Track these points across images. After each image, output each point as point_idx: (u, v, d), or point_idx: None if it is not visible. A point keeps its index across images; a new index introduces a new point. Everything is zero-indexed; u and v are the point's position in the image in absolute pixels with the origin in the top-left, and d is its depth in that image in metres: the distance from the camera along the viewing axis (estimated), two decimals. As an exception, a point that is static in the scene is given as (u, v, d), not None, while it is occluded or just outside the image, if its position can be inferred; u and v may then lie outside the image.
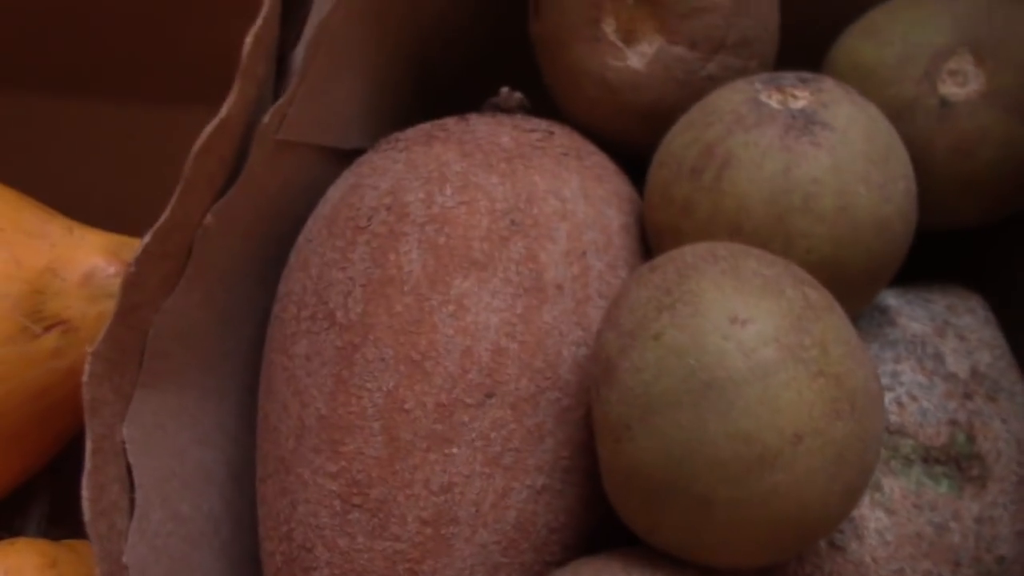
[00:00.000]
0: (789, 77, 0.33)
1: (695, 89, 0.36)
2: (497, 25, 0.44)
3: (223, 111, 0.32)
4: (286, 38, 0.39)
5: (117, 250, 0.41)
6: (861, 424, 0.26)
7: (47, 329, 0.38)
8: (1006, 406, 0.33)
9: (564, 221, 0.33)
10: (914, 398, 0.32)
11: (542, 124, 0.37)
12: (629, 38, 0.36)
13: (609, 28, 0.37)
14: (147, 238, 0.32)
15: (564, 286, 0.32)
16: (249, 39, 0.33)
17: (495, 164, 0.34)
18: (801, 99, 0.32)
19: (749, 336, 0.26)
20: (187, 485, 0.35)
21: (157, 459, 0.34)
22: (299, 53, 0.37)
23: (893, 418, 0.32)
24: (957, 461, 0.32)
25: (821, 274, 0.30)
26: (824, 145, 0.31)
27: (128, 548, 0.32)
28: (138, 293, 0.32)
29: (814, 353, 0.26)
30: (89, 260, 0.40)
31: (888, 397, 0.32)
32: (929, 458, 0.32)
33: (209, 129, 0.32)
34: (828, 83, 0.33)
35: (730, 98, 0.33)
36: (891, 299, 0.36)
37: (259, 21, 0.33)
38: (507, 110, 0.38)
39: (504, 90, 0.38)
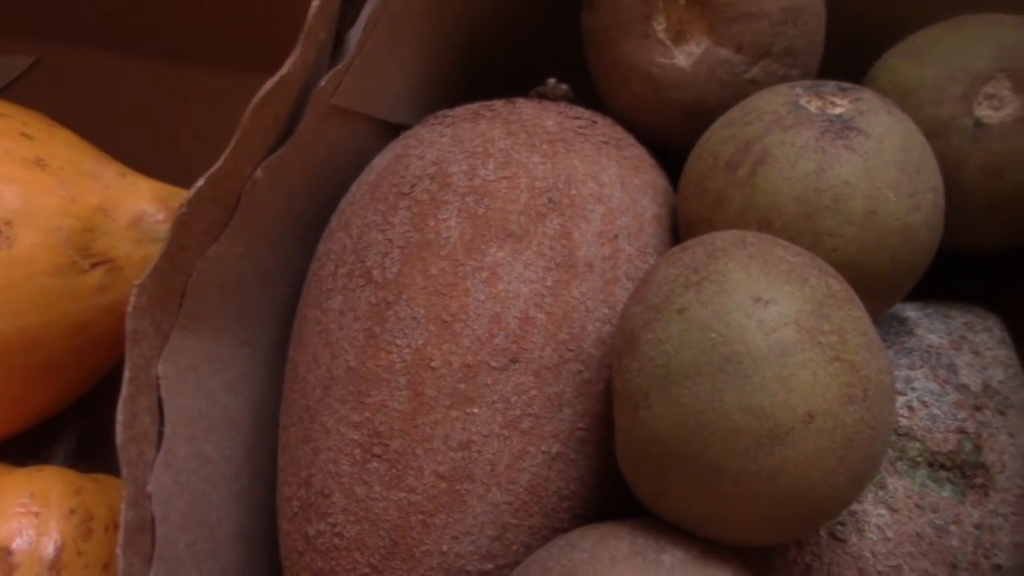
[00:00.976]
0: (830, 85, 0.34)
1: (737, 91, 0.37)
2: (545, 20, 0.45)
3: (283, 69, 0.34)
4: (343, 18, 0.40)
5: (167, 198, 0.42)
6: (872, 412, 0.27)
7: (94, 266, 0.39)
8: (1015, 421, 0.33)
9: (600, 204, 0.34)
10: (925, 404, 0.33)
11: (586, 113, 0.38)
12: (678, 37, 0.38)
13: (659, 26, 0.38)
14: (200, 181, 0.33)
15: (594, 265, 0.33)
16: (316, 2, 0.34)
17: (538, 145, 0.35)
18: (840, 106, 0.33)
19: (771, 316, 0.27)
20: (213, 428, 0.36)
21: (187, 399, 0.35)
22: (356, 32, 0.38)
23: (903, 421, 0.33)
24: (962, 468, 0.32)
25: (844, 274, 0.30)
26: (858, 150, 0.31)
27: (153, 478, 0.33)
28: (187, 235, 0.33)
29: (832, 339, 0.27)
30: (139, 204, 0.41)
31: (900, 401, 0.33)
32: (935, 462, 0.32)
33: (269, 85, 0.33)
34: (867, 93, 0.33)
35: (771, 99, 0.34)
36: (911, 311, 0.36)
37: (325, -13, 0.34)
38: (553, 99, 0.39)
39: (551, 80, 0.39)
